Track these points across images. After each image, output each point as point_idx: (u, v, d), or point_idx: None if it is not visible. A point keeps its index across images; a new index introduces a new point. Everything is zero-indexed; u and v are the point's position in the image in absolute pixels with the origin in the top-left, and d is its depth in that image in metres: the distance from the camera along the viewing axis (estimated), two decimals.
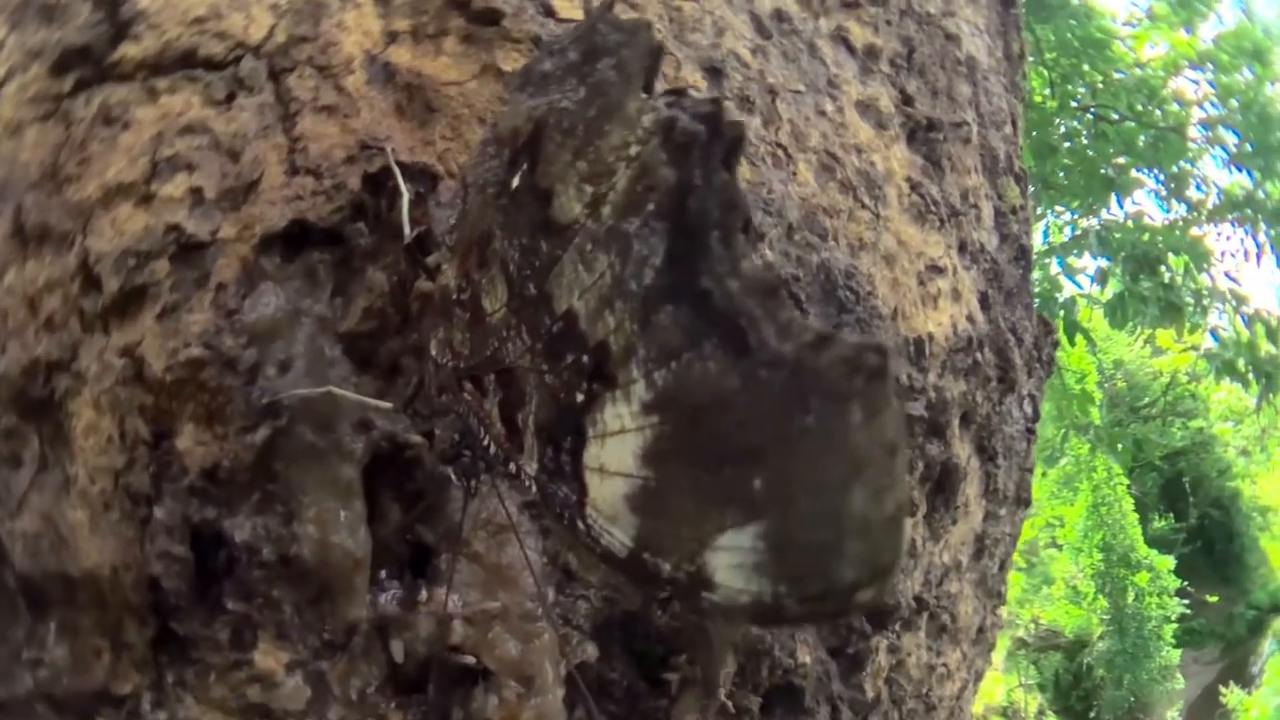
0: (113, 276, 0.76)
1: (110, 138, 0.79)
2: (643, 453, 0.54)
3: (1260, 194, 6.06)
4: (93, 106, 0.80)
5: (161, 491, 0.76)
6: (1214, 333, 6.28)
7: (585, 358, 0.59)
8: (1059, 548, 12.40)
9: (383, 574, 0.78)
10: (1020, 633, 11.62)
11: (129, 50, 0.82)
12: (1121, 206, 6.10)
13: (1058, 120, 5.83)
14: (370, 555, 0.76)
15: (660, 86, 0.63)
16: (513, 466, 0.64)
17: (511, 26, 0.86)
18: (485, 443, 0.66)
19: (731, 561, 0.50)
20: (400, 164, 0.80)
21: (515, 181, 0.69)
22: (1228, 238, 6.45)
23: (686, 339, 0.53)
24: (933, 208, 1.07)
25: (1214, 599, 12.59)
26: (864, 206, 0.99)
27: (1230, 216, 6.19)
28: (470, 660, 0.77)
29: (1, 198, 0.82)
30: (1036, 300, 1.29)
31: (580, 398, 0.58)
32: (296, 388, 0.75)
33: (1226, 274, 6.24)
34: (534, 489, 0.62)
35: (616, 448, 0.56)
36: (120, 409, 0.76)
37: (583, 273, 0.60)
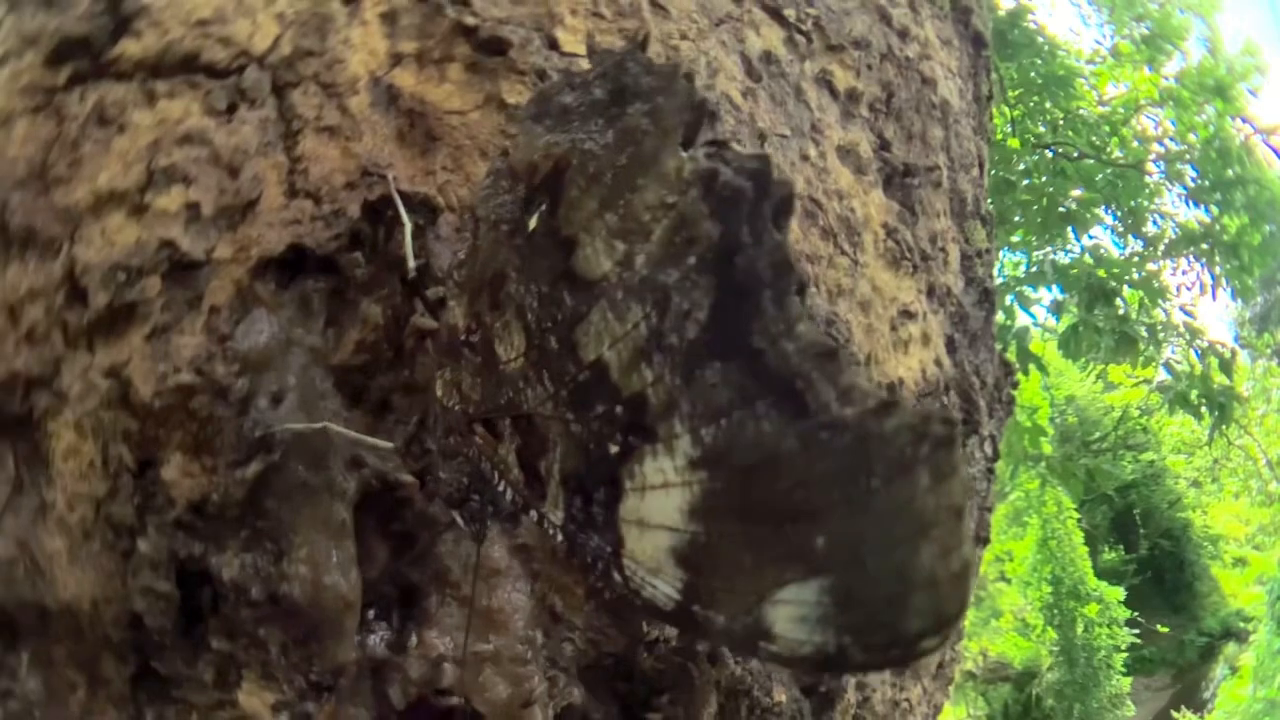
0: (101, 291, 0.71)
1: (104, 140, 0.74)
2: (689, 508, 0.53)
3: (1217, 228, 6.15)
4: (88, 104, 0.76)
5: (146, 523, 0.73)
6: (1168, 365, 6.37)
7: (619, 409, 0.57)
8: (1007, 581, 12.56)
9: (370, 615, 0.73)
10: (968, 665, 11.69)
11: (129, 47, 0.78)
12: (1078, 240, 6.16)
13: (1016, 157, 5.88)
14: (361, 596, 0.68)
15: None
16: (534, 514, 0.59)
17: (517, 58, 0.82)
18: (501, 488, 0.60)
19: (793, 614, 0.49)
20: (401, 193, 0.73)
21: (533, 223, 0.64)
22: (1184, 272, 6.59)
23: (737, 397, 0.52)
24: (907, 254, 1.06)
25: (1164, 629, 12.90)
26: (843, 253, 0.98)
27: (1187, 251, 6.24)
28: (457, 702, 0.69)
29: None
30: None
31: (614, 449, 0.56)
32: (289, 421, 0.70)
33: (1181, 308, 6.34)
34: (560, 538, 0.60)
35: (659, 502, 0.54)
36: (104, 433, 0.71)
37: (613, 322, 0.58)
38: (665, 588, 0.54)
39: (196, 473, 0.71)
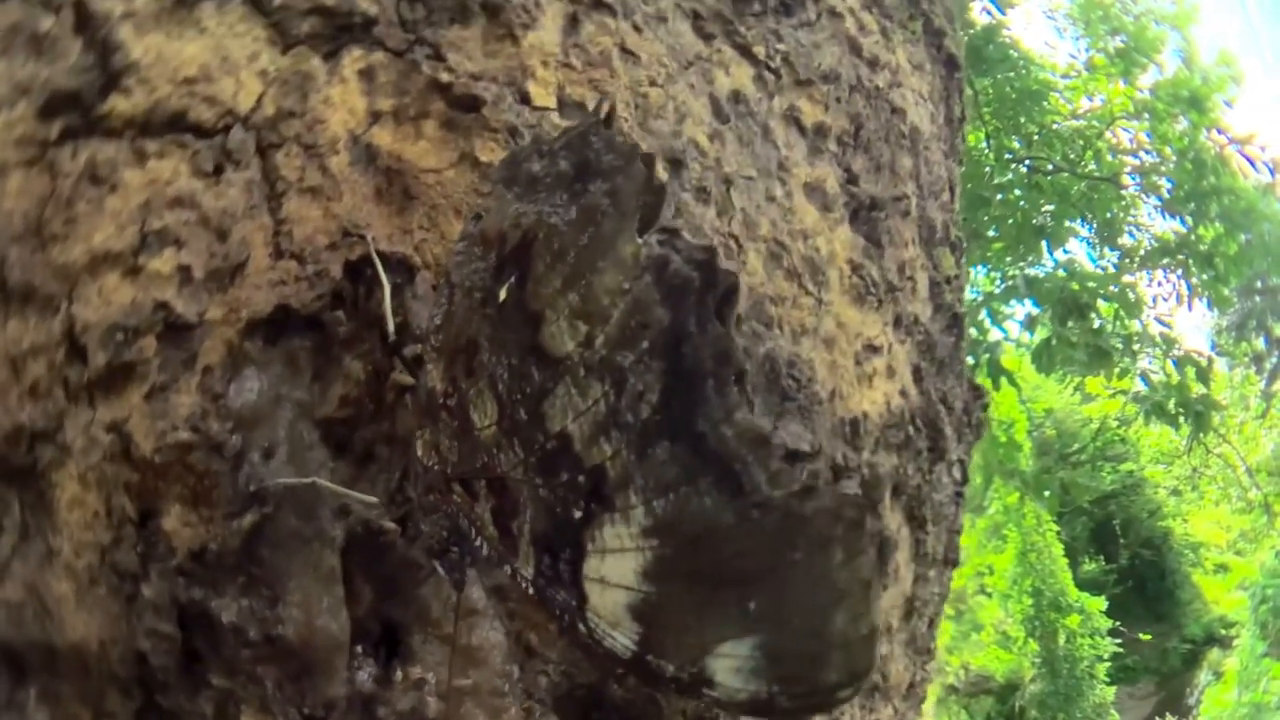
0: (100, 350, 0.80)
1: (97, 199, 0.83)
2: (643, 571, 0.62)
3: (1193, 239, 6.27)
4: (80, 161, 0.84)
5: (149, 570, 0.82)
6: (1144, 376, 6.50)
7: (581, 478, 0.65)
8: (988, 595, 12.76)
9: (358, 650, 0.82)
10: (950, 679, 11.91)
11: (119, 104, 0.84)
12: (1052, 255, 6.33)
13: (990, 171, 5.98)
14: (349, 636, 0.75)
15: None
16: (507, 569, 0.71)
17: (490, 115, 0.90)
18: (478, 543, 0.68)
19: (731, 666, 0.59)
20: (379, 254, 0.80)
21: (503, 294, 0.70)
22: (1159, 283, 6.75)
23: (683, 474, 0.61)
24: (872, 289, 1.15)
25: (1147, 637, 13.06)
26: (807, 293, 1.07)
27: (1163, 262, 6.36)
28: None
29: None
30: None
31: (578, 514, 0.65)
32: (280, 475, 0.81)
33: (1157, 319, 6.45)
34: (531, 591, 0.69)
35: (617, 563, 0.63)
36: (107, 485, 0.80)
37: (576, 398, 0.67)
38: (623, 639, 0.64)
39: (195, 523, 0.79)
